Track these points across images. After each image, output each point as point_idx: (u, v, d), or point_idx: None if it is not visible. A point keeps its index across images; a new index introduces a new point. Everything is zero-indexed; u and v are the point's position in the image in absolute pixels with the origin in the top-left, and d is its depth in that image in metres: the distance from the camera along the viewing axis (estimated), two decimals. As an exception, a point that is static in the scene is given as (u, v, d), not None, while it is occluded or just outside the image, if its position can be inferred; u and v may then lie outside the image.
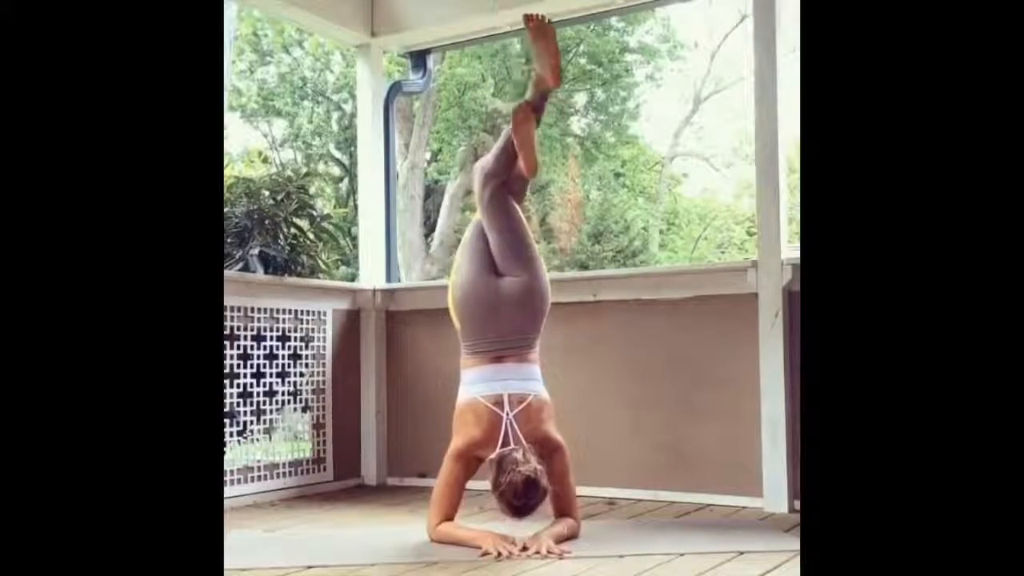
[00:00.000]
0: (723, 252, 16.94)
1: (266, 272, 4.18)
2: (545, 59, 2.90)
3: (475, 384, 2.72)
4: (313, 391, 3.90)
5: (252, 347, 3.62)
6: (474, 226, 2.93)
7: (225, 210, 4.19)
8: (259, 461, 3.65)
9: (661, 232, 17.53)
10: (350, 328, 4.09)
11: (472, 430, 2.66)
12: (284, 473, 3.73)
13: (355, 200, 7.85)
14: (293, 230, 4.51)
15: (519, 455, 2.49)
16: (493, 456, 2.55)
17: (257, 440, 3.69)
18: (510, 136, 2.85)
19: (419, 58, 4.44)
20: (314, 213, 4.76)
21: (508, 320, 2.76)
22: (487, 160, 2.94)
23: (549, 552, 2.45)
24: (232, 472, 3.52)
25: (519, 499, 2.45)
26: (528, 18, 2.95)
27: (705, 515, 3.17)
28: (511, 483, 2.43)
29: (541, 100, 2.92)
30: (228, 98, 12.75)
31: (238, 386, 3.55)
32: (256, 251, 4.16)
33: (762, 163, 3.34)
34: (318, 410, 3.91)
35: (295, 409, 3.85)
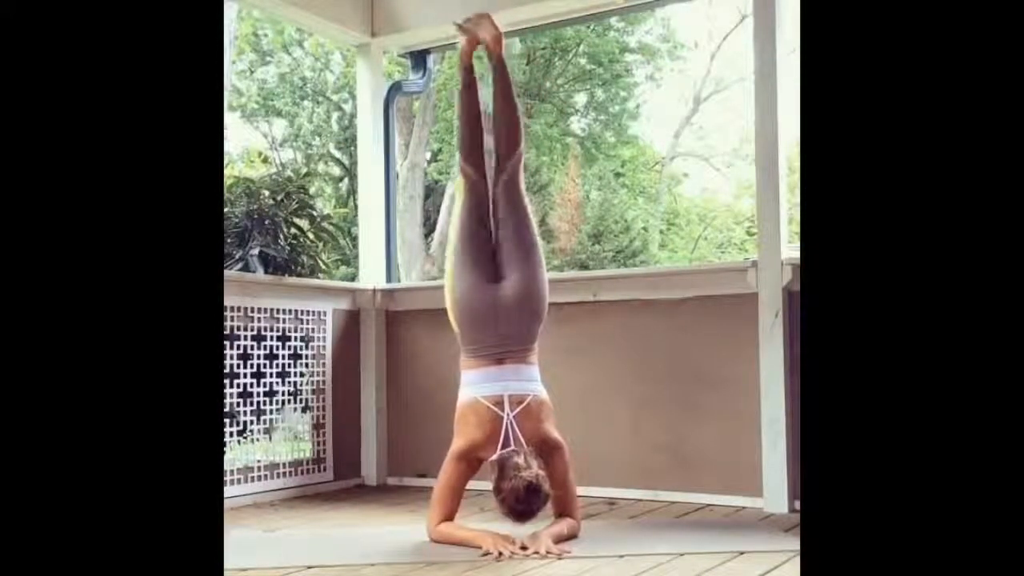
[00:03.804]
0: (723, 252, 16.95)
1: (266, 272, 4.19)
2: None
3: (476, 385, 2.72)
4: (313, 391, 3.90)
5: (252, 347, 3.61)
6: (460, 230, 2.88)
7: (225, 210, 4.19)
8: (259, 461, 3.65)
9: (661, 232, 17.54)
10: (350, 328, 4.09)
11: (473, 431, 2.66)
12: (284, 473, 3.73)
13: (355, 200, 7.85)
14: (293, 230, 4.52)
15: (520, 460, 2.50)
16: (495, 458, 2.56)
17: (257, 440, 3.69)
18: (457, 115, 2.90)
19: (419, 58, 4.44)
20: (314, 213, 4.77)
21: (507, 324, 2.76)
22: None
23: (548, 552, 2.45)
24: (232, 472, 3.52)
25: (521, 504, 2.47)
26: (460, 28, 2.96)
27: (705, 515, 3.16)
28: (513, 488, 2.45)
29: (469, 69, 2.96)
30: (228, 98, 12.76)
31: (238, 386, 3.55)
32: (256, 251, 4.16)
33: (762, 163, 3.34)
34: (318, 410, 3.91)
35: (295, 409, 3.85)
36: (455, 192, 2.91)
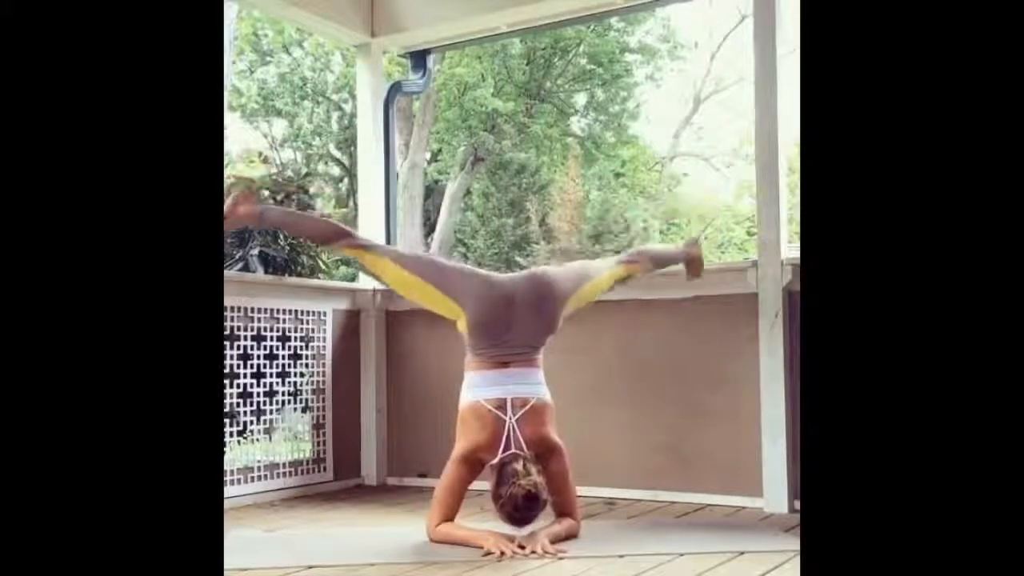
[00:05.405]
0: (723, 252, 16.94)
1: (266, 272, 4.19)
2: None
3: (479, 388, 2.72)
4: (313, 391, 3.90)
5: (252, 347, 3.61)
6: (425, 270, 2.86)
7: (225, 210, 4.19)
8: (259, 461, 3.65)
9: (661, 232, 17.52)
10: (350, 328, 4.08)
11: (476, 434, 2.66)
12: (284, 473, 3.73)
13: (355, 200, 7.85)
14: (293, 230, 4.52)
15: (519, 466, 2.50)
16: (494, 462, 2.56)
17: (257, 440, 3.69)
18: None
19: (419, 58, 4.44)
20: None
21: (521, 328, 2.75)
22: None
23: (544, 551, 2.45)
24: (232, 472, 3.51)
25: (519, 512, 2.49)
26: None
27: (705, 515, 3.16)
28: (511, 496, 2.47)
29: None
30: (228, 98, 12.75)
31: (238, 386, 3.55)
32: (256, 251, 4.17)
33: (762, 163, 3.34)
34: (318, 410, 3.91)
35: (295, 409, 3.85)
36: (371, 272, 2.89)
